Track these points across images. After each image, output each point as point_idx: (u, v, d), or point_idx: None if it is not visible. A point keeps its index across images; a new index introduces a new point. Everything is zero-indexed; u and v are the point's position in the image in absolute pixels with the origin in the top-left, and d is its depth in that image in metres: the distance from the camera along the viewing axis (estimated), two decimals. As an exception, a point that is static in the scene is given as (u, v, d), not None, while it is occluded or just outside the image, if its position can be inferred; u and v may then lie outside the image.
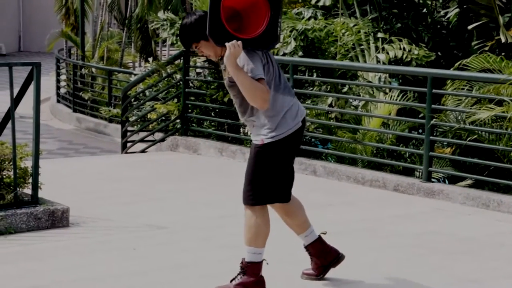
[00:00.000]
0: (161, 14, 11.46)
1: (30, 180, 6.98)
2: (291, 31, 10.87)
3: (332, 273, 5.53)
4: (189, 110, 11.47)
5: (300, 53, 10.92)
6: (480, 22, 12.41)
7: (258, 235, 5.08)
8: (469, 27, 12.49)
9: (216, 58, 5.11)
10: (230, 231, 6.73)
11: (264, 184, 5.07)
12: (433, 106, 8.63)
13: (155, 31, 19.41)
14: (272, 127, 5.00)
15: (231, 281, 5.16)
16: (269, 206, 5.22)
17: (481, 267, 5.99)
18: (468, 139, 8.90)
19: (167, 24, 11.15)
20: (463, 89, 9.38)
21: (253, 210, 5.08)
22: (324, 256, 5.44)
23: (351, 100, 11.20)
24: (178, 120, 11.51)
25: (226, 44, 4.82)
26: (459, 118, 9.18)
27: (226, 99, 10.74)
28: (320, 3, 13.56)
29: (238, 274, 5.15)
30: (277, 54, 10.91)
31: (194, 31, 4.99)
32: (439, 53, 12.98)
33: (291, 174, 5.20)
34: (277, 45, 10.86)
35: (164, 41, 21.35)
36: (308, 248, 5.45)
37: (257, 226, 5.06)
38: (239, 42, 4.83)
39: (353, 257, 5.97)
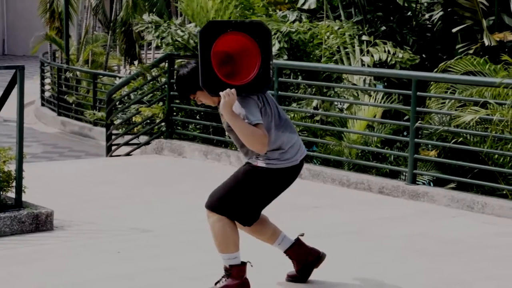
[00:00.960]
0: (146, 17, 11.44)
1: (14, 184, 6.94)
2: (275, 33, 10.87)
3: (317, 275, 5.53)
4: (174, 113, 11.45)
5: (285, 56, 10.92)
6: (464, 25, 12.46)
7: (227, 241, 5.06)
8: (454, 30, 12.55)
9: (214, 104, 5.14)
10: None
11: (239, 201, 5.05)
12: (417, 108, 8.64)
13: (140, 34, 19.37)
14: (271, 157, 5.03)
15: (216, 283, 5.15)
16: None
17: (466, 269, 6.00)
18: (453, 141, 8.92)
19: (151, 27, 11.12)
20: (446, 92, 9.41)
21: (217, 216, 5.05)
22: (305, 257, 5.44)
23: (336, 103, 11.21)
24: (163, 123, 11.49)
25: (220, 93, 4.85)
26: (443, 120, 9.20)
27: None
28: (305, 6, 13.58)
29: (223, 277, 5.13)
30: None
31: (188, 83, 5.05)
32: (423, 55, 13.03)
33: (267, 203, 5.20)
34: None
35: (149, 44, 21.32)
36: (287, 252, 5.45)
37: (224, 233, 5.04)
38: (233, 90, 4.85)
39: (338, 260, 5.97)
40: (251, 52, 4.96)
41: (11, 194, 6.99)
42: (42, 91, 20.51)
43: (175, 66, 11.54)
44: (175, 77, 5.14)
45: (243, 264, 5.13)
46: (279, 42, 10.85)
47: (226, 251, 5.07)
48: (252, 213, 5.14)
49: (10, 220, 6.70)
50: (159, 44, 11.27)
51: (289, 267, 5.55)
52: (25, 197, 6.98)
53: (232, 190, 5.05)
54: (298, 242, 5.44)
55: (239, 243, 5.11)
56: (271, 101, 5.10)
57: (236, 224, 5.11)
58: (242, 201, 5.06)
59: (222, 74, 4.89)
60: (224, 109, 4.84)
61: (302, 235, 5.52)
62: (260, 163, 5.02)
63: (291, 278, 5.50)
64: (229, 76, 4.94)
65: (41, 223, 6.85)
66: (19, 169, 6.88)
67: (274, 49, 10.81)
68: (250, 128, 4.83)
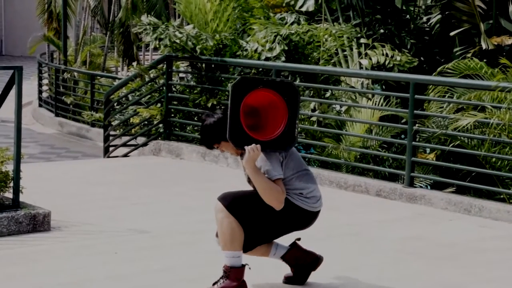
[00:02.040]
0: (144, 18, 11.44)
1: (11, 184, 6.94)
2: (275, 36, 10.88)
3: (314, 277, 5.53)
4: (172, 115, 11.45)
5: (283, 58, 10.93)
6: (462, 29, 12.47)
7: (233, 239, 5.08)
8: (451, 33, 12.56)
9: (236, 155, 5.26)
10: (213, 236, 6.71)
11: (249, 220, 5.10)
12: (415, 111, 8.66)
13: (138, 36, 19.38)
14: (292, 195, 5.12)
15: (214, 284, 5.16)
16: None
17: (462, 272, 6.01)
18: (451, 145, 8.93)
19: (150, 29, 11.12)
20: (444, 95, 9.41)
21: (227, 211, 5.08)
22: (302, 261, 5.44)
23: (334, 106, 11.22)
24: (160, 125, 11.49)
25: (246, 147, 4.96)
26: (441, 124, 9.20)
27: (209, 104, 10.74)
28: (304, 9, 13.59)
29: (221, 278, 5.14)
30: (259, 58, 10.92)
31: (214, 132, 5.17)
32: (422, 58, 13.04)
33: (270, 238, 5.27)
34: (260, 49, 10.89)
35: (147, 45, 21.31)
36: (284, 258, 5.46)
37: (232, 229, 5.07)
38: (258, 146, 4.96)
39: (335, 262, 5.98)
40: (278, 110, 5.10)
41: (9, 194, 6.99)
42: (40, 92, 20.50)
43: (173, 68, 11.55)
44: (201, 125, 5.29)
45: (242, 266, 5.14)
46: (279, 44, 10.86)
47: (232, 249, 5.09)
48: (253, 240, 5.19)
49: (7, 221, 6.70)
50: (157, 46, 11.27)
51: (287, 269, 5.55)
52: (22, 198, 6.98)
53: (249, 202, 5.11)
54: (294, 247, 5.45)
55: (243, 243, 5.12)
56: (295, 153, 5.20)
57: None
58: (251, 221, 5.11)
59: (246, 125, 5.00)
60: (248, 163, 4.96)
61: (299, 239, 5.52)
62: (288, 196, 5.11)
63: (288, 280, 5.51)
64: (254, 129, 5.04)
65: (38, 223, 6.85)
66: (17, 170, 6.88)
67: (274, 53, 10.83)
68: (269, 184, 4.96)
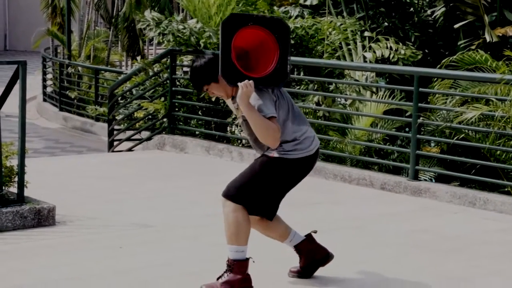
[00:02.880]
0: (147, 14, 11.43)
1: (16, 179, 6.94)
2: None
3: (319, 271, 5.53)
4: (176, 109, 11.45)
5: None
6: (466, 21, 12.45)
7: (239, 232, 5.08)
8: (456, 26, 12.53)
9: (227, 98, 5.20)
10: (217, 230, 6.70)
11: (257, 192, 5.09)
12: (419, 105, 8.64)
13: (142, 30, 19.36)
14: (286, 149, 5.08)
15: (218, 279, 5.16)
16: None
17: (467, 265, 6.00)
18: (455, 138, 8.92)
19: (153, 24, 11.11)
20: (450, 88, 9.40)
21: (231, 206, 5.07)
22: (313, 254, 5.45)
23: (338, 99, 11.21)
24: (165, 119, 11.48)
25: (238, 84, 4.92)
26: (446, 117, 9.19)
27: (213, 98, 10.73)
28: (308, 2, 13.57)
29: (225, 272, 5.14)
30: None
31: (204, 74, 5.11)
32: (426, 51, 13.02)
33: (282, 196, 5.24)
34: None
35: (151, 39, 21.31)
36: (296, 248, 5.46)
37: (237, 223, 5.06)
38: (251, 82, 4.92)
39: (340, 256, 5.97)
40: (269, 47, 5.06)
41: (13, 189, 7.00)
42: (44, 87, 20.51)
43: (177, 62, 11.54)
44: (190, 67, 5.22)
45: (246, 259, 5.14)
46: None
47: (236, 243, 5.08)
48: (271, 205, 5.19)
49: (12, 215, 6.70)
50: (161, 41, 11.27)
51: (292, 262, 5.56)
52: (27, 192, 6.98)
53: (249, 181, 5.09)
54: (309, 238, 5.46)
55: (248, 238, 5.12)
56: (286, 95, 5.17)
57: (249, 218, 5.12)
58: (259, 192, 5.10)
59: (237, 62, 4.96)
60: (242, 99, 4.90)
61: (315, 232, 5.53)
62: (276, 154, 5.07)
63: (294, 274, 5.51)
64: (246, 68, 5.01)
65: (43, 218, 6.86)
66: (21, 164, 6.89)
67: None
68: (264, 121, 4.91)
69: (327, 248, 5.50)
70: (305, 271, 5.48)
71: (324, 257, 5.48)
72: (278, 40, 5.05)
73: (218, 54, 5.01)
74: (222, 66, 4.94)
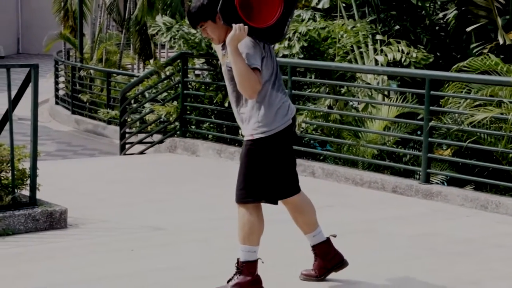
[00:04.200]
0: (158, 19, 11.45)
1: (28, 182, 6.97)
2: (293, 34, 10.85)
3: (331, 274, 5.52)
4: (188, 112, 11.47)
5: (301, 56, 10.91)
6: (479, 24, 12.40)
7: (252, 232, 5.08)
8: (468, 29, 12.49)
9: (218, 43, 5.11)
10: (228, 233, 6.72)
11: (257, 181, 5.07)
12: (431, 108, 8.63)
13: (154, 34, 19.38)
14: (263, 122, 5.01)
15: (228, 281, 5.16)
16: (280, 203, 5.23)
17: (479, 268, 5.99)
18: (468, 141, 8.89)
19: (164, 29, 11.13)
20: (461, 91, 9.38)
21: (246, 207, 5.08)
22: (329, 259, 5.44)
23: (351, 103, 11.19)
24: (176, 122, 11.50)
25: (233, 25, 4.85)
26: (458, 120, 9.16)
27: (226, 103, 10.73)
28: (320, 6, 13.55)
29: (235, 275, 5.14)
30: (276, 55, 10.90)
31: (204, 10, 5.02)
32: (438, 54, 12.98)
33: (287, 172, 5.20)
34: (277, 46, 10.87)
35: (158, 44, 21.35)
36: (314, 248, 5.46)
37: (251, 224, 5.07)
38: (246, 27, 4.87)
39: (351, 258, 5.96)
40: (274, 2, 5.00)
41: (26, 192, 7.02)
42: (56, 90, 20.56)
43: (189, 65, 11.56)
44: (191, 2, 5.14)
45: (255, 261, 5.14)
46: (298, 42, 10.83)
47: (249, 243, 5.09)
48: (277, 185, 5.14)
49: (24, 218, 6.73)
50: (173, 45, 11.29)
51: (301, 266, 5.55)
52: (39, 195, 7.01)
53: (247, 176, 5.07)
54: (328, 242, 5.46)
55: (259, 238, 5.13)
56: (274, 58, 5.11)
57: (263, 218, 5.12)
58: (261, 179, 5.07)
59: (239, 5, 4.90)
60: (232, 40, 4.84)
61: (335, 236, 5.51)
62: (256, 135, 5.01)
63: (305, 276, 5.50)
64: (246, 15, 4.94)
65: (55, 221, 6.88)
66: (33, 167, 6.91)
67: (294, 50, 10.79)
68: (248, 70, 4.85)
69: (342, 253, 5.49)
70: (317, 274, 5.47)
71: (339, 262, 5.47)
72: None
73: None
74: (222, 3, 4.87)
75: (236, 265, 5.14)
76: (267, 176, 5.09)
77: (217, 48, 5.23)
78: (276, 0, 5.02)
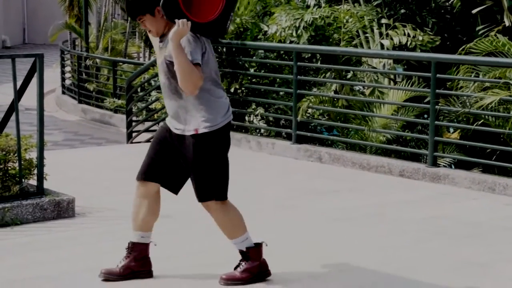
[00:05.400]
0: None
1: (35, 171, 6.99)
2: (300, 21, 10.78)
3: (337, 257, 5.53)
4: (194, 99, 11.44)
5: (305, 40, 10.88)
6: (484, 6, 12.36)
7: (234, 225, 5.09)
8: (473, 11, 12.45)
9: (156, 35, 5.03)
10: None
11: (214, 176, 5.01)
12: (437, 91, 8.61)
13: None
14: (206, 117, 4.93)
15: (236, 268, 5.17)
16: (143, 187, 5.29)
17: (487, 251, 5.98)
18: (475, 124, 8.87)
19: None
20: (470, 75, 9.34)
21: (215, 205, 5.05)
22: (142, 263, 5.31)
23: (358, 88, 11.17)
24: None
25: (176, 20, 4.76)
26: (467, 103, 9.13)
27: (231, 88, 10.72)
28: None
29: (241, 261, 5.14)
30: (284, 42, 10.87)
31: (143, 3, 4.92)
32: (445, 35, 12.93)
33: (228, 169, 5.12)
34: (283, 34, 10.83)
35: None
36: (133, 245, 5.32)
37: (229, 218, 5.07)
38: (189, 23, 4.78)
39: (358, 243, 5.98)
40: None
41: (33, 181, 7.04)
42: (63, 79, 20.57)
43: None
44: None
45: (259, 245, 5.14)
46: (305, 31, 10.79)
47: (237, 235, 5.10)
48: (226, 184, 5.08)
49: (32, 208, 6.75)
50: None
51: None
52: (46, 185, 7.02)
53: (207, 171, 4.99)
54: (148, 246, 5.37)
55: (244, 223, 5.13)
56: (213, 54, 5.03)
57: (234, 206, 5.09)
58: (216, 174, 5.01)
59: (183, 6, 4.82)
60: (174, 36, 4.75)
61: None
62: (201, 129, 4.92)
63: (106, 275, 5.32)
64: (188, 9, 4.86)
65: (62, 210, 6.90)
66: (40, 157, 6.93)
67: (302, 40, 10.75)
68: (190, 65, 4.77)
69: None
70: (121, 272, 5.29)
71: (148, 270, 5.34)
72: None
73: None
74: None
75: (241, 251, 5.14)
76: (219, 170, 5.03)
77: (154, 40, 5.14)
78: None
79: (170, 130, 5.11)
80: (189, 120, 4.98)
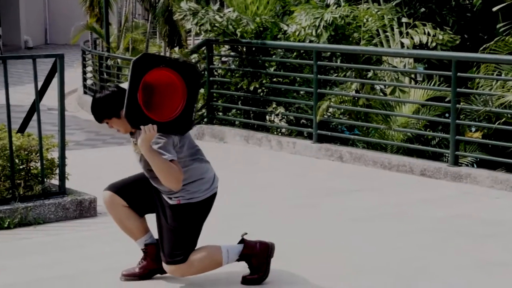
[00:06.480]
0: (183, 5, 11.46)
1: (57, 171, 7.03)
2: (319, 22, 10.78)
3: (357, 256, 5.52)
4: (214, 99, 11.49)
5: (325, 40, 10.87)
6: (505, 4, 12.29)
7: (212, 260, 5.12)
8: (494, 9, 12.38)
9: (125, 133, 5.11)
10: (253, 220, 6.75)
11: (189, 240, 5.08)
12: (458, 90, 8.58)
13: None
14: (190, 189, 5.00)
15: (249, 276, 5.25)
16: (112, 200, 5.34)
17: (508, 250, 5.96)
18: (497, 122, 8.83)
19: (190, 14, 11.14)
20: (493, 73, 9.29)
21: (184, 265, 5.06)
22: (157, 262, 5.31)
23: (378, 87, 11.15)
24: (203, 109, 11.53)
25: (142, 127, 4.78)
26: (489, 102, 9.09)
27: (251, 87, 10.74)
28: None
29: (251, 270, 5.24)
30: (304, 41, 10.87)
31: (105, 107, 4.98)
32: (465, 35, 12.89)
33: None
34: (303, 33, 10.83)
35: (189, 30, 21.38)
36: (147, 247, 5.36)
37: (202, 262, 5.09)
38: (155, 126, 4.79)
39: (380, 242, 5.97)
40: (177, 91, 4.90)
41: (55, 181, 7.09)
42: (84, 79, 20.66)
43: (214, 52, 11.58)
44: (93, 97, 5.07)
45: (243, 245, 5.24)
46: (326, 31, 10.78)
47: (221, 263, 5.16)
48: (193, 248, 5.14)
49: (54, 207, 6.80)
50: (198, 31, 11.30)
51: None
52: (68, 184, 7.07)
53: (179, 238, 5.04)
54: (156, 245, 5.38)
55: (214, 248, 5.18)
56: (188, 135, 5.05)
57: (206, 254, 5.13)
58: (191, 237, 5.09)
59: (142, 102, 4.79)
60: (143, 143, 4.78)
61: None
62: (183, 200, 5.00)
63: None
64: (149, 106, 4.84)
65: (84, 209, 6.94)
66: (62, 156, 6.97)
67: (322, 39, 10.75)
68: (166, 164, 4.80)
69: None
70: (140, 272, 5.39)
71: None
72: (187, 86, 4.89)
73: (121, 87, 4.90)
74: (127, 107, 4.76)
75: (238, 261, 5.18)
76: (193, 236, 5.10)
77: (127, 135, 5.17)
78: (179, 89, 4.89)
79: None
80: (171, 194, 5.03)
